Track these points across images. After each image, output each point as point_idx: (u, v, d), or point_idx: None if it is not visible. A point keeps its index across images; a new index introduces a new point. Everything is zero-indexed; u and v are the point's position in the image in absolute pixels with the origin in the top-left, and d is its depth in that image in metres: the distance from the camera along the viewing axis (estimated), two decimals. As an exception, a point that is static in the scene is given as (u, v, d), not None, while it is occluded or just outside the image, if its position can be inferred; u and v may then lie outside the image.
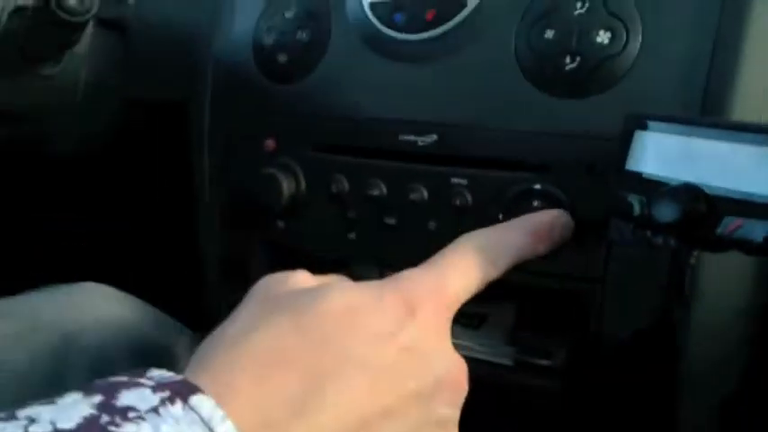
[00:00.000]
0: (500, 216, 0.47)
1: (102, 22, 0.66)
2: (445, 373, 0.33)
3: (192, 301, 0.62)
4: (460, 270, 0.36)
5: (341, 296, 0.32)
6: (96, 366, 0.49)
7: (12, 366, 0.46)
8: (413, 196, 0.49)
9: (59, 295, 0.53)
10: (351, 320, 0.31)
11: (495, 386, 0.50)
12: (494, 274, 0.38)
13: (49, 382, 0.47)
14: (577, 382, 0.48)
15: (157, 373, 0.27)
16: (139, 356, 0.52)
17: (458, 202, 0.48)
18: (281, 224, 0.56)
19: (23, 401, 0.44)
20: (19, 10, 0.61)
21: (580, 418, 0.49)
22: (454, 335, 0.53)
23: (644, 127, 0.39)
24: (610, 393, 0.47)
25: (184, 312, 0.59)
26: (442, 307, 0.34)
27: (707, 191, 0.35)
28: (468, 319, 0.59)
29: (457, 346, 0.52)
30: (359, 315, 0.31)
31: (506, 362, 0.51)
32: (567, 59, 0.44)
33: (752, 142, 0.34)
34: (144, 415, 0.24)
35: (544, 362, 0.50)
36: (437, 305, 0.34)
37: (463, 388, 0.33)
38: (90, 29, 0.66)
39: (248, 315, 0.32)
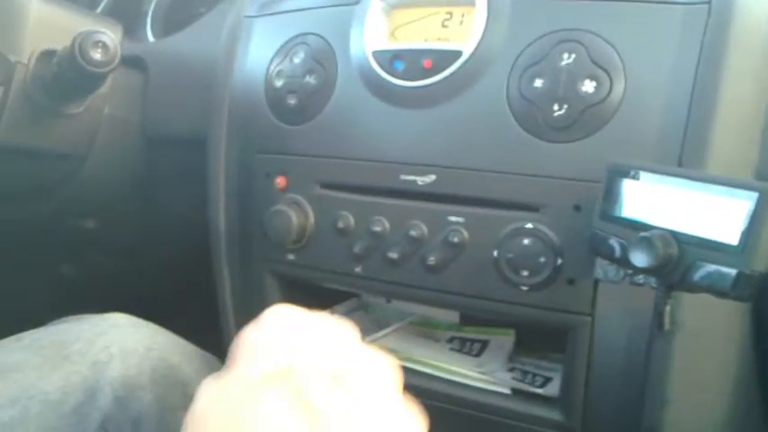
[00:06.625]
0: (494, 253, 0.49)
1: (123, 60, 0.69)
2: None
3: (214, 329, 0.65)
4: None
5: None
6: (122, 394, 0.52)
7: (45, 395, 0.49)
8: (413, 232, 0.52)
9: (87, 325, 0.56)
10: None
11: (493, 413, 0.53)
12: None
13: (79, 411, 0.50)
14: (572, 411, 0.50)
15: None
16: (163, 383, 0.54)
17: (455, 239, 0.51)
18: (291, 257, 0.59)
19: (55, 430, 0.48)
20: (47, 54, 0.65)
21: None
22: (456, 363, 0.57)
23: (625, 175, 0.42)
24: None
25: (207, 339, 0.62)
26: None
27: (680, 238, 0.38)
28: (470, 345, 0.62)
29: (455, 376, 0.55)
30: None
31: (503, 390, 0.54)
32: (556, 107, 0.47)
33: (721, 194, 0.37)
34: None
35: (539, 390, 0.53)
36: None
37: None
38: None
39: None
